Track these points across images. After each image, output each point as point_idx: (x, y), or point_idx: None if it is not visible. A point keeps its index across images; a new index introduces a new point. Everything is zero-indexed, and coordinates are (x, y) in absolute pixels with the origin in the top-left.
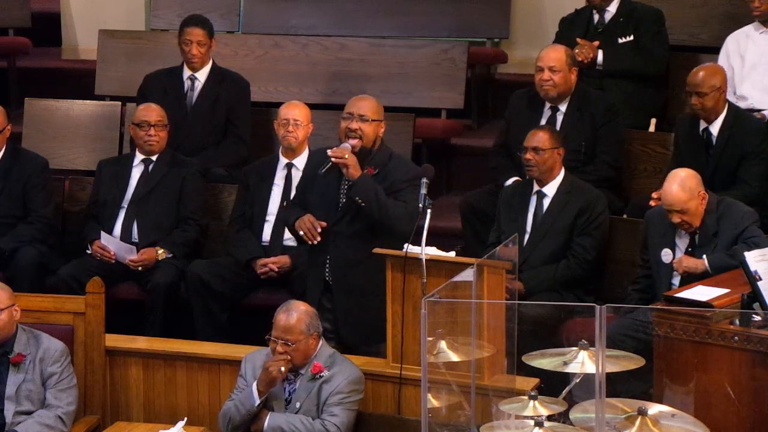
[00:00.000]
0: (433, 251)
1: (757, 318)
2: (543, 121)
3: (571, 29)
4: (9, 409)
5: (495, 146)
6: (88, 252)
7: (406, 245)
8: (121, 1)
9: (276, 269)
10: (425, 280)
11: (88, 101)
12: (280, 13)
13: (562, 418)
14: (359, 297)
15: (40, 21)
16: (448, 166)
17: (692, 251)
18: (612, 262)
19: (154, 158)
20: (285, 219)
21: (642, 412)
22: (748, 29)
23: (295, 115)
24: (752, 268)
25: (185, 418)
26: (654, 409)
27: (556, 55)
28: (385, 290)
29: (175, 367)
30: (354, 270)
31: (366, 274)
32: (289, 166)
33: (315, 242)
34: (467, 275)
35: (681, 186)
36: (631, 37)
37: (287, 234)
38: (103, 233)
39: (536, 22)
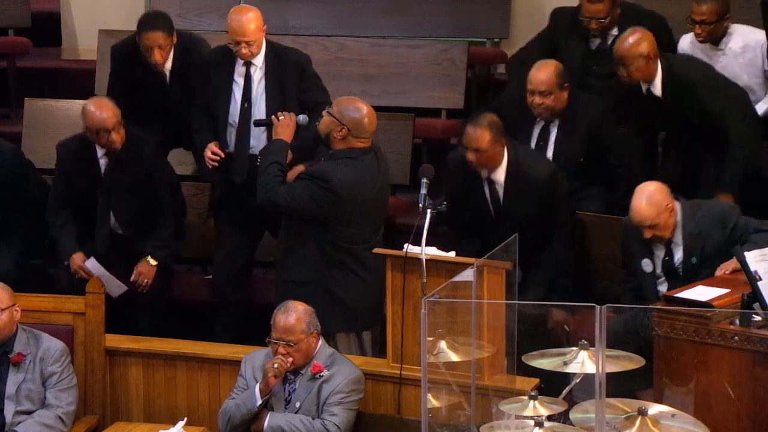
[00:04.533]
0: (433, 251)
1: (757, 318)
2: (535, 134)
3: (565, 27)
4: (9, 409)
5: None
6: (66, 264)
7: (406, 245)
8: (121, 1)
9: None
10: (425, 280)
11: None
12: (280, 13)
13: (562, 418)
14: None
15: (40, 21)
16: (448, 166)
17: (669, 260)
18: (606, 261)
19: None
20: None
21: (642, 412)
22: (702, 46)
23: (246, 36)
24: (752, 268)
25: (185, 418)
26: (654, 409)
27: (545, 78)
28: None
29: (175, 367)
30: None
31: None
32: (248, 65)
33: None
34: (467, 275)
35: (649, 202)
36: None
37: (252, 141)
38: (91, 260)
39: (536, 22)
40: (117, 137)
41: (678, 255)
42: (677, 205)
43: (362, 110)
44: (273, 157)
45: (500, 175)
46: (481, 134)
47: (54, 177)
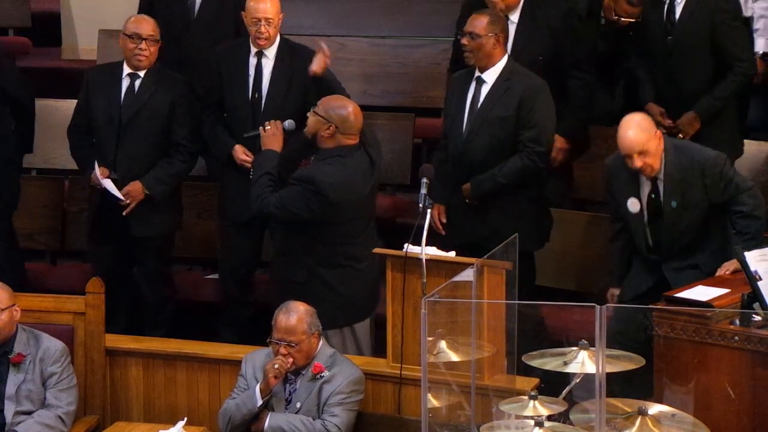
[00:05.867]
0: (433, 251)
1: (757, 318)
2: None
3: None
4: (9, 409)
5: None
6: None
7: (406, 245)
8: (121, 1)
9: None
10: (425, 280)
11: None
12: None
13: (562, 418)
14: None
15: (40, 21)
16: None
17: (655, 197)
18: (596, 259)
19: (141, 74)
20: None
21: (642, 412)
22: None
23: (267, 13)
24: (752, 268)
25: (185, 418)
26: (654, 409)
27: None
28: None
29: (175, 367)
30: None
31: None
32: (259, 55)
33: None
34: (467, 275)
35: (638, 127)
36: None
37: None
38: (97, 172)
39: None
40: (146, 49)
41: (662, 193)
42: (663, 137)
43: (348, 107)
44: (263, 168)
45: (491, 75)
46: (480, 18)
47: (77, 104)
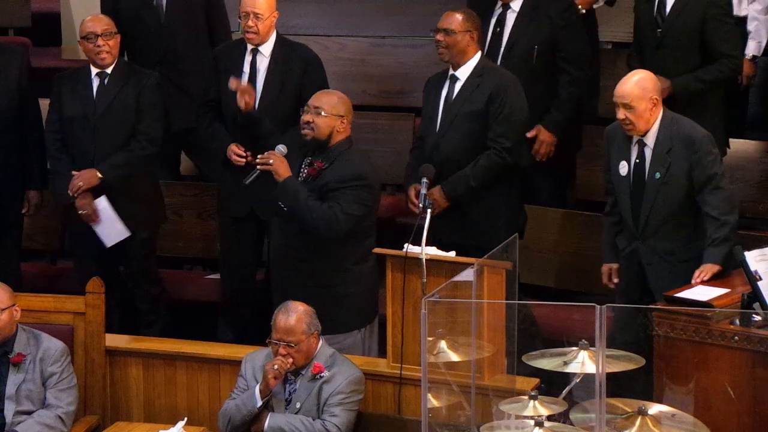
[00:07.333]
0: (433, 251)
1: (757, 318)
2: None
3: None
4: (9, 409)
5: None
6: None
7: (406, 245)
8: None
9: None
10: (425, 280)
11: None
12: (280, 13)
13: (562, 418)
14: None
15: (40, 21)
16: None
17: (640, 163)
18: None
19: (109, 71)
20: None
21: (642, 412)
22: None
23: (255, 7)
24: (752, 268)
25: (185, 418)
26: (654, 409)
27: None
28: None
29: (175, 367)
30: (292, 260)
31: (303, 263)
32: (255, 52)
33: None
34: (467, 275)
35: (636, 82)
36: None
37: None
38: (102, 200)
39: None
40: (105, 45)
41: (648, 161)
42: (661, 109)
43: (338, 94)
44: (300, 194)
45: (464, 72)
46: (455, 15)
47: (49, 109)
